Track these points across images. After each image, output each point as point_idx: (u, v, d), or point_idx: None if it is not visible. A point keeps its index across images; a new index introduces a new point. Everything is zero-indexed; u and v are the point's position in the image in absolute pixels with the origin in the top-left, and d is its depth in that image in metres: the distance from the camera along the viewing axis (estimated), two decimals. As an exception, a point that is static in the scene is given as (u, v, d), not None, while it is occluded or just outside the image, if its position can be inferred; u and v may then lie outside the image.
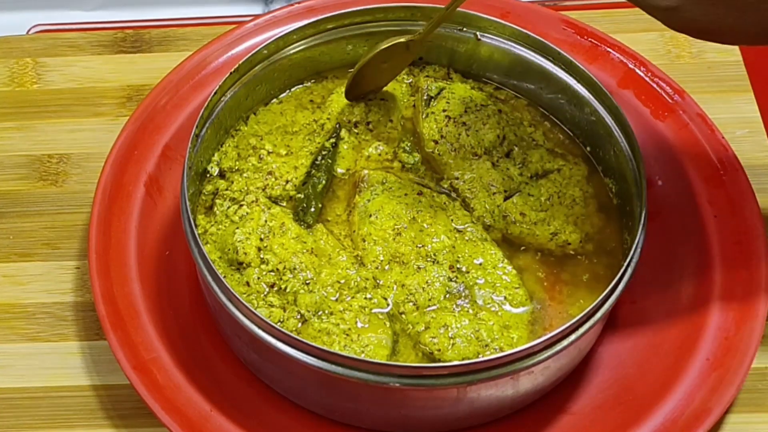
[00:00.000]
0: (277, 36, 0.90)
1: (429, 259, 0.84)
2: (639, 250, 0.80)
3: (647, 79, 0.98)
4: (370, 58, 0.88)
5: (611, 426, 0.82)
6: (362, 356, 0.79)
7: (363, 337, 0.80)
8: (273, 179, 0.88)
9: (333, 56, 0.94)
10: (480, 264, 0.84)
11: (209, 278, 0.79)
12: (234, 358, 0.85)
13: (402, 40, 0.87)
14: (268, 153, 0.89)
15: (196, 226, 0.82)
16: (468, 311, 0.82)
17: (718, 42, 0.73)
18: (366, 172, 0.89)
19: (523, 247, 0.87)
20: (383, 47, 0.88)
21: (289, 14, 1.01)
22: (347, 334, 0.80)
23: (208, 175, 0.89)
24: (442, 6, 0.88)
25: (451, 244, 0.85)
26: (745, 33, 0.72)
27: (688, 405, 0.82)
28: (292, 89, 0.94)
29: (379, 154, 0.91)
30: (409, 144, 0.91)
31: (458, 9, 0.90)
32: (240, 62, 0.87)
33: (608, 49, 1.00)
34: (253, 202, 0.86)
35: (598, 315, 0.78)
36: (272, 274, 0.82)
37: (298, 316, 0.81)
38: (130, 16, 1.15)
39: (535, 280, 0.85)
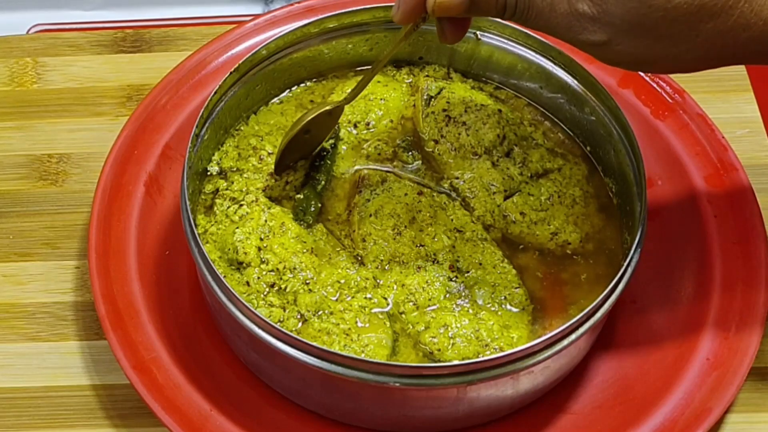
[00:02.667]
0: (277, 36, 0.90)
1: (429, 259, 0.84)
2: (639, 250, 0.80)
3: (647, 78, 0.97)
4: (295, 132, 0.85)
5: (611, 426, 0.82)
6: (362, 356, 0.79)
7: (363, 337, 0.80)
8: (273, 179, 0.88)
9: (333, 56, 0.94)
10: (480, 264, 0.84)
11: (209, 278, 0.78)
12: (234, 358, 0.85)
13: (327, 108, 0.85)
14: (269, 154, 0.89)
15: (196, 225, 0.82)
16: (468, 311, 0.82)
17: (654, 72, 0.71)
18: (366, 172, 0.89)
19: (522, 247, 0.87)
20: (308, 119, 0.84)
21: (289, 14, 1.01)
22: (347, 334, 0.80)
23: (208, 175, 0.89)
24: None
25: (451, 243, 0.85)
26: (681, 60, 0.71)
27: (688, 405, 0.82)
28: (293, 89, 0.94)
29: (379, 154, 0.91)
30: (409, 144, 0.91)
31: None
32: (240, 62, 0.87)
33: (608, 49, 1.00)
34: (253, 201, 0.86)
35: (599, 315, 0.78)
36: (272, 273, 0.82)
37: (298, 316, 0.81)
38: (130, 16, 1.15)
39: (534, 280, 0.85)
